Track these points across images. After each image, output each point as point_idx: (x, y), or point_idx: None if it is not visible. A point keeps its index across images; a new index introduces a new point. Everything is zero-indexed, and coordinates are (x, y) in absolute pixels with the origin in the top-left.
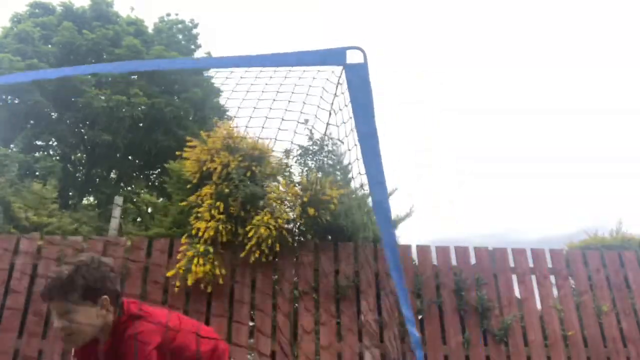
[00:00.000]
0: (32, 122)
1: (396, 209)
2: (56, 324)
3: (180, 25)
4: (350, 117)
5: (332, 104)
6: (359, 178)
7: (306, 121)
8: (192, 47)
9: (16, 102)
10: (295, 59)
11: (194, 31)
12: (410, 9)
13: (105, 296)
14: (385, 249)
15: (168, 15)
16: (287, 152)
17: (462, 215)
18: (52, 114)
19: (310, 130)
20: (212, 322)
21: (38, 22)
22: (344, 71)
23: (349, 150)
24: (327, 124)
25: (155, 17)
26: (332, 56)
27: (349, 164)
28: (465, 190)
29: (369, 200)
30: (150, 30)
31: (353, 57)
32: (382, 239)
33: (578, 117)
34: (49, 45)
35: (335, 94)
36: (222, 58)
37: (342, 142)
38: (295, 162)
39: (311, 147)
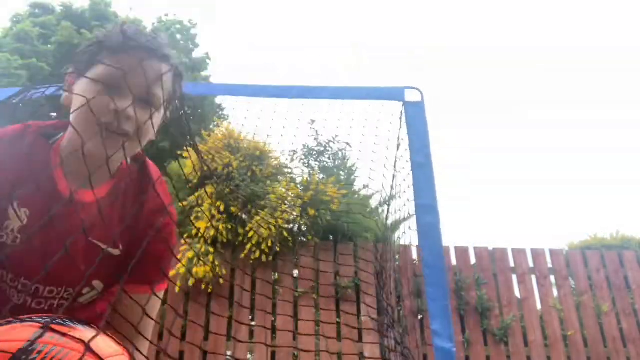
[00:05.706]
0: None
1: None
2: (128, 111)
3: (178, 26)
4: (405, 149)
5: (399, 138)
6: (409, 205)
7: (313, 122)
8: (191, 46)
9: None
10: (353, 93)
11: (193, 31)
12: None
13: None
14: (425, 268)
15: (166, 15)
16: (292, 153)
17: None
18: (52, 114)
19: (316, 131)
20: (212, 322)
21: (37, 21)
22: (403, 107)
23: (402, 177)
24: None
25: (153, 17)
26: (391, 93)
27: (390, 188)
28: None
29: (371, 201)
30: (149, 30)
31: (410, 96)
32: (424, 260)
33: (576, 124)
34: (48, 45)
35: (400, 126)
36: (269, 87)
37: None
38: (300, 162)
39: (316, 148)
